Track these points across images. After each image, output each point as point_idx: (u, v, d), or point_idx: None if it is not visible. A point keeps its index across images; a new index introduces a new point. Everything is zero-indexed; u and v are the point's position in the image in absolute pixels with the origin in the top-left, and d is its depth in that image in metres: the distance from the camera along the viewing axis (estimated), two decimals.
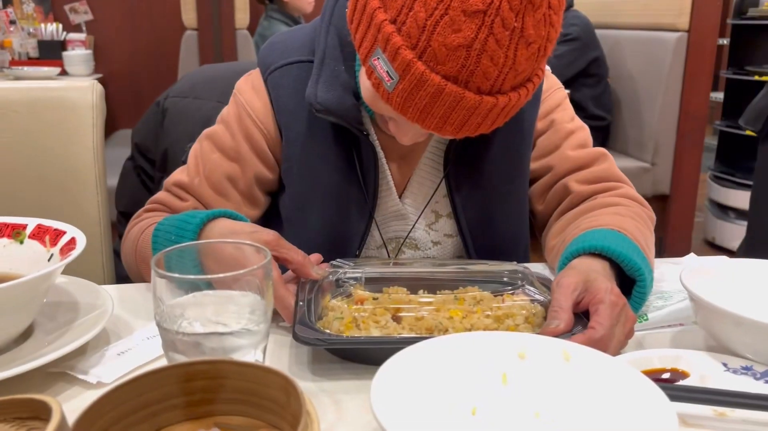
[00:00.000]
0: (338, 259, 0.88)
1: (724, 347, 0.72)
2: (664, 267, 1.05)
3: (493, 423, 0.58)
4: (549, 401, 0.58)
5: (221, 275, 0.56)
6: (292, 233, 1.00)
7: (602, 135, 3.57)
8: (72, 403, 0.65)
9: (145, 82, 4.05)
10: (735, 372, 0.68)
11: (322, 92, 0.91)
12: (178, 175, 1.02)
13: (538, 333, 0.66)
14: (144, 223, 0.96)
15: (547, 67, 1.08)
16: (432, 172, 1.01)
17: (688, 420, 0.62)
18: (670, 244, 3.51)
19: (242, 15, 3.23)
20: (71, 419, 0.49)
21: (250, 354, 0.58)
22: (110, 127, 3.15)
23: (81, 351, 0.73)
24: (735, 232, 3.55)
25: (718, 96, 4.67)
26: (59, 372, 0.70)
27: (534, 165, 1.04)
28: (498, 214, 1.02)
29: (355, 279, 0.83)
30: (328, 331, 0.70)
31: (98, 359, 0.72)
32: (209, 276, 0.57)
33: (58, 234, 0.77)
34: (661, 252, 3.56)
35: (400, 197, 1.01)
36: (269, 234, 0.80)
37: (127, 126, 3.55)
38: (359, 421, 0.63)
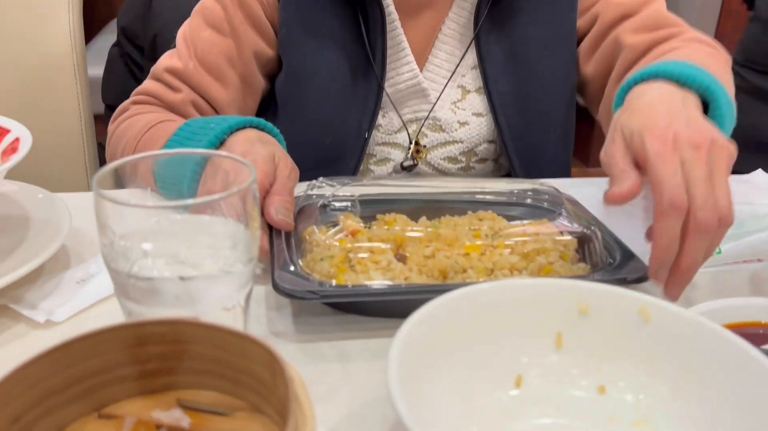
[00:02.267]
0: (321, 178, 0.72)
1: None
2: (731, 187, 0.90)
3: (544, 397, 0.45)
4: (618, 371, 0.45)
5: (189, 201, 0.42)
6: (290, 119, 0.88)
7: None
8: (13, 346, 0.53)
9: None
10: None
11: None
12: (168, 60, 0.88)
13: (605, 200, 0.51)
14: (137, 121, 0.83)
15: None
16: (457, 37, 0.88)
17: None
18: None
19: None
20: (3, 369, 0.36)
21: (230, 304, 0.44)
22: (104, 17, 2.89)
23: (32, 278, 0.59)
24: None
25: None
26: (1, 305, 0.57)
27: (579, 21, 0.90)
28: (536, 87, 0.88)
29: (345, 203, 0.67)
30: (317, 277, 0.56)
31: (52, 288, 0.59)
32: (172, 203, 0.42)
33: (1, 132, 0.62)
34: None
35: (421, 70, 0.88)
36: (292, 169, 0.65)
37: (106, 14, 3.29)
38: (365, 385, 0.50)
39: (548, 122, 0.90)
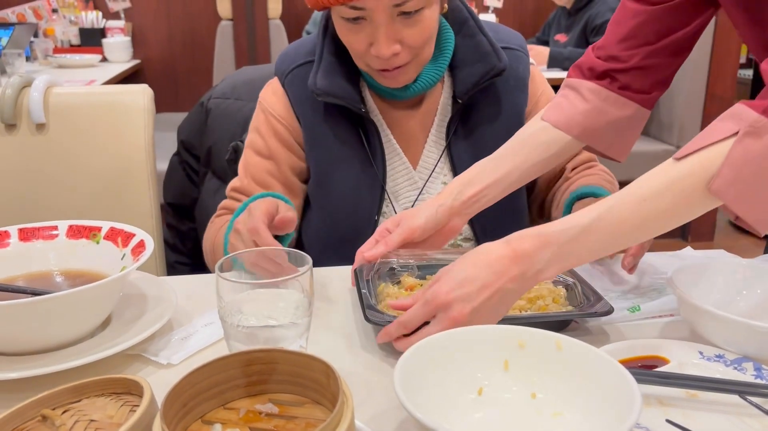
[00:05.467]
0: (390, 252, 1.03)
1: (701, 337, 0.83)
2: (662, 260, 1.15)
3: (496, 401, 0.70)
4: (543, 384, 0.70)
5: (271, 280, 0.69)
6: (318, 210, 1.20)
7: None
8: (150, 380, 0.78)
9: (181, 67, 4.19)
10: (709, 359, 0.79)
11: (320, 80, 1.13)
12: (234, 182, 1.23)
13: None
14: (215, 227, 1.19)
15: (531, 60, 1.28)
16: (438, 148, 1.20)
17: (664, 401, 0.73)
18: (695, 227, 3.56)
19: (275, 5, 3.35)
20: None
21: (295, 343, 0.70)
22: None
23: (151, 337, 0.86)
24: None
25: (748, 73, 4.64)
26: (135, 354, 0.83)
27: None
28: None
29: (406, 267, 0.98)
30: (394, 314, 0.84)
31: (165, 343, 0.86)
32: (262, 281, 0.70)
33: (129, 236, 0.90)
34: (686, 235, 3.62)
35: (415, 168, 1.20)
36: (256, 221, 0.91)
37: (164, 110, 3.70)
38: (384, 398, 0.75)
39: (504, 206, 1.19)
